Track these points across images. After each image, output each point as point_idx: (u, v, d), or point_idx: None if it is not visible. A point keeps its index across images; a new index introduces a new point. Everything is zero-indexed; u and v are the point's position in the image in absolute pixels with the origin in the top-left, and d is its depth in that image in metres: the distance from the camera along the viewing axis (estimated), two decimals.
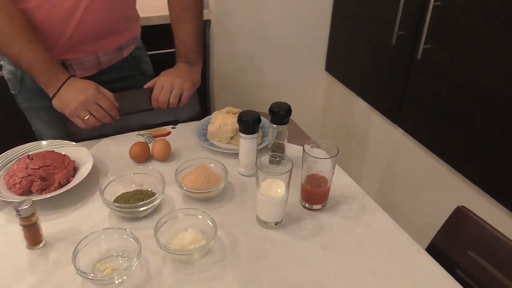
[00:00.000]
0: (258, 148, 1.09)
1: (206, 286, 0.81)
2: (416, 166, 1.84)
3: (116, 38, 1.30)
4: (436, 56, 1.60)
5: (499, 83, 1.38)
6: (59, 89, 1.12)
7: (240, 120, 1.03)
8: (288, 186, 0.91)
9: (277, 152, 1.08)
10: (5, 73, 1.29)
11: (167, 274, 0.83)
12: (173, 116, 1.30)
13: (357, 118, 2.20)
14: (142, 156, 1.11)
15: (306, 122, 1.71)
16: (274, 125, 1.07)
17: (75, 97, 1.11)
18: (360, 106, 2.14)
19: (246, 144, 1.05)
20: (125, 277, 0.80)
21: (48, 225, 0.91)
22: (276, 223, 0.94)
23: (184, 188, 0.98)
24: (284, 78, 2.32)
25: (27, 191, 0.98)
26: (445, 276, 0.84)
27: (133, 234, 0.83)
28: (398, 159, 1.96)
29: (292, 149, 1.15)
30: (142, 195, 0.96)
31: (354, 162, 2.27)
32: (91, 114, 1.13)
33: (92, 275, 0.79)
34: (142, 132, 1.22)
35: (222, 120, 1.17)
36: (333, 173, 0.96)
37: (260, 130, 1.13)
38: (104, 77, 1.28)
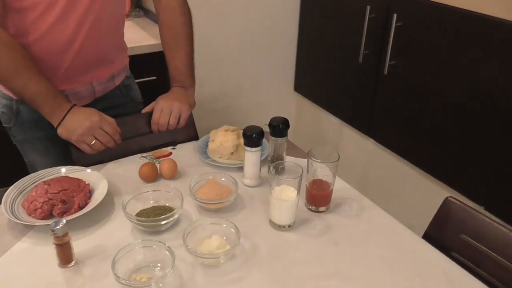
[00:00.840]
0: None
1: (238, 286, 0.88)
2: (390, 173, 1.99)
3: (109, 67, 1.36)
4: (401, 71, 1.77)
5: (459, 91, 1.56)
6: (63, 118, 1.16)
7: (245, 134, 1.12)
8: (299, 190, 1.00)
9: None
10: None
11: (199, 278, 0.89)
12: (170, 138, 1.37)
13: (329, 133, 2.33)
14: (152, 175, 1.17)
15: None
16: (274, 138, 1.17)
17: (81, 124, 1.16)
18: (332, 122, 2.28)
19: (251, 156, 1.14)
20: (161, 285, 0.86)
21: (75, 244, 0.95)
22: (289, 226, 1.03)
23: (199, 200, 1.05)
24: (254, 100, 2.41)
25: (48, 215, 1.01)
26: (443, 258, 0.96)
27: (166, 245, 0.89)
28: (371, 168, 2.10)
29: (289, 160, 1.25)
30: (161, 210, 1.02)
31: None
32: (96, 139, 1.18)
33: (132, 282, 0.84)
34: (144, 154, 1.28)
35: (223, 137, 1.25)
36: (335, 177, 1.07)
37: None
38: (98, 106, 1.32)
